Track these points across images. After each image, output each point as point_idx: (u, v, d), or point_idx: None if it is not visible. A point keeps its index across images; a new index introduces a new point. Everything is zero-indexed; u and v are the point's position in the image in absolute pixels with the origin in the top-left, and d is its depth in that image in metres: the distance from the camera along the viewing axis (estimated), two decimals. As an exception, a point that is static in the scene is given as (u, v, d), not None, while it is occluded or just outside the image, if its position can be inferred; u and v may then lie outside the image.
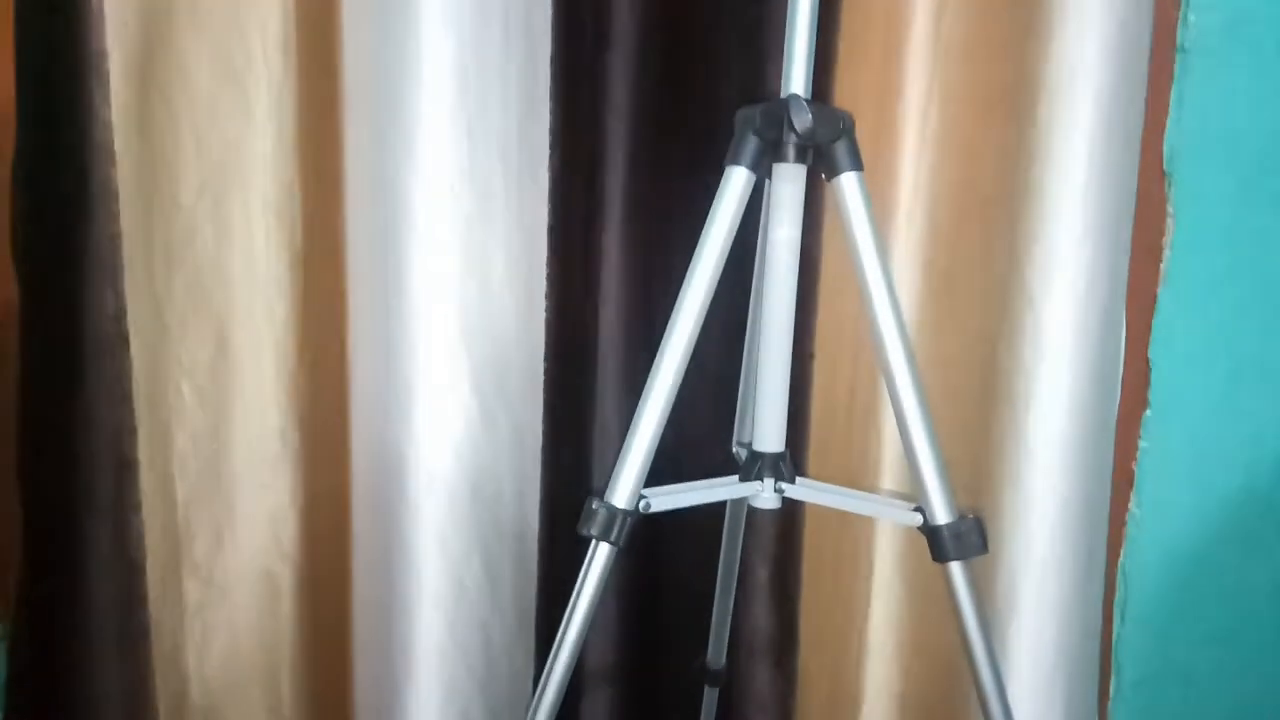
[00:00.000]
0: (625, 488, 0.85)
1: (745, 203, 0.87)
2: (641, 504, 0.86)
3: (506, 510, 1.22)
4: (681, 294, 0.86)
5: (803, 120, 0.82)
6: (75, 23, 1.10)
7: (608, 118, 1.21)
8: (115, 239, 1.15)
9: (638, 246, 1.23)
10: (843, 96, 1.22)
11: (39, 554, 1.17)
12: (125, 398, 1.18)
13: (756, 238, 1.01)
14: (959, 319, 1.23)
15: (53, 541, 1.18)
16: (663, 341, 0.85)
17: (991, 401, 1.20)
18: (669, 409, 0.86)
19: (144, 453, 1.20)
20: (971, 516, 0.88)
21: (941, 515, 0.86)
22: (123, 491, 1.19)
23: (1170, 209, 1.24)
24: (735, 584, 1.16)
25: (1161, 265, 1.26)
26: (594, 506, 0.85)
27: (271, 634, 1.28)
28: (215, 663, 1.27)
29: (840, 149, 0.85)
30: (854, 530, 1.29)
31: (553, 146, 1.19)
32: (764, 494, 0.97)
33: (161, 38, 1.14)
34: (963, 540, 0.86)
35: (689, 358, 0.86)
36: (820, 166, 0.89)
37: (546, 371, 1.22)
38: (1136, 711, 1.35)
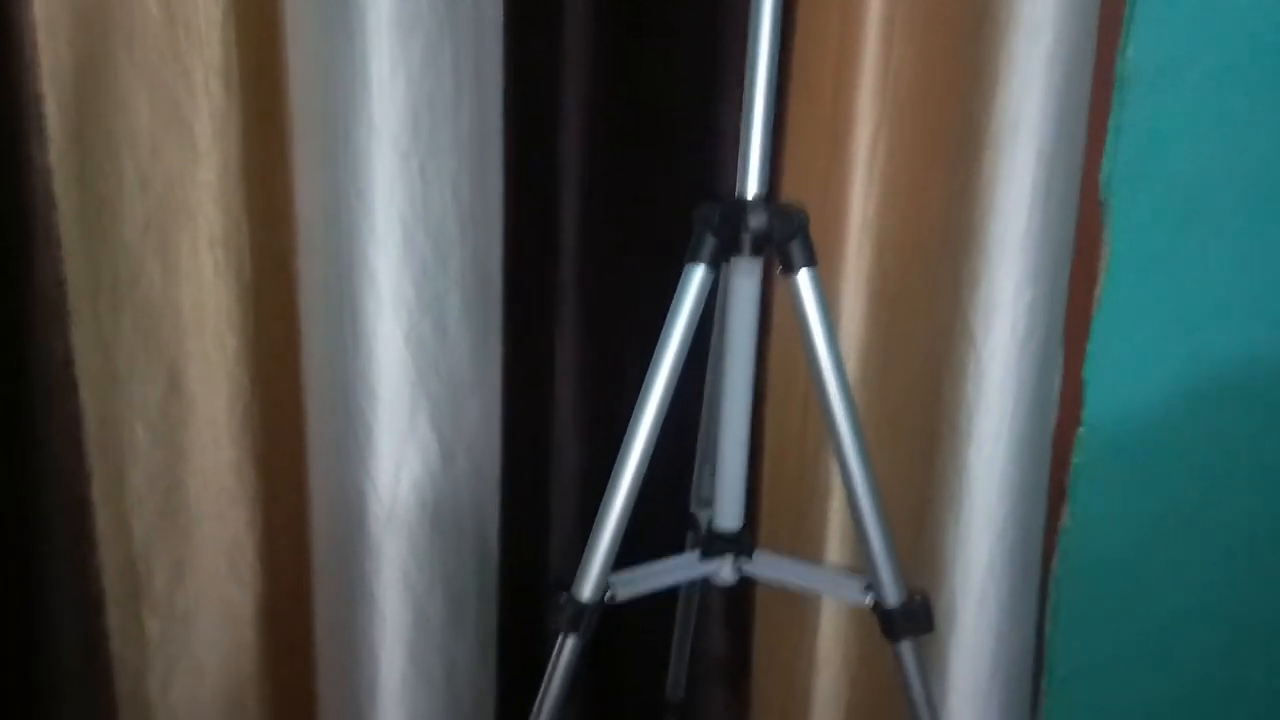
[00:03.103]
0: (591, 580, 0.88)
1: (705, 298, 0.89)
2: (607, 595, 0.89)
3: (467, 542, 1.24)
4: (642, 392, 0.88)
5: (759, 223, 0.84)
6: (10, 70, 1.07)
7: (561, 148, 1.21)
8: (60, 285, 1.13)
9: (593, 289, 1.24)
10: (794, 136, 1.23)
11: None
12: (78, 443, 1.17)
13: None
14: (904, 356, 1.26)
15: (10, 586, 1.18)
16: (625, 437, 0.87)
17: (935, 435, 1.24)
18: (633, 500, 0.88)
19: (99, 493, 1.19)
20: (919, 597, 0.92)
21: (892, 598, 0.91)
22: (79, 533, 1.19)
23: (1106, 236, 1.28)
24: (692, 626, 1.20)
25: (1096, 290, 1.30)
26: (561, 601, 0.87)
27: (235, 662, 1.30)
28: (180, 695, 1.28)
29: (795, 247, 0.87)
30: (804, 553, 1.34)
31: (506, 187, 1.18)
32: (723, 571, 1.01)
33: (98, 74, 1.11)
34: (912, 620, 0.91)
35: (651, 451, 0.88)
36: (775, 258, 0.91)
37: (504, 406, 1.24)
38: (1067, 706, 1.43)
